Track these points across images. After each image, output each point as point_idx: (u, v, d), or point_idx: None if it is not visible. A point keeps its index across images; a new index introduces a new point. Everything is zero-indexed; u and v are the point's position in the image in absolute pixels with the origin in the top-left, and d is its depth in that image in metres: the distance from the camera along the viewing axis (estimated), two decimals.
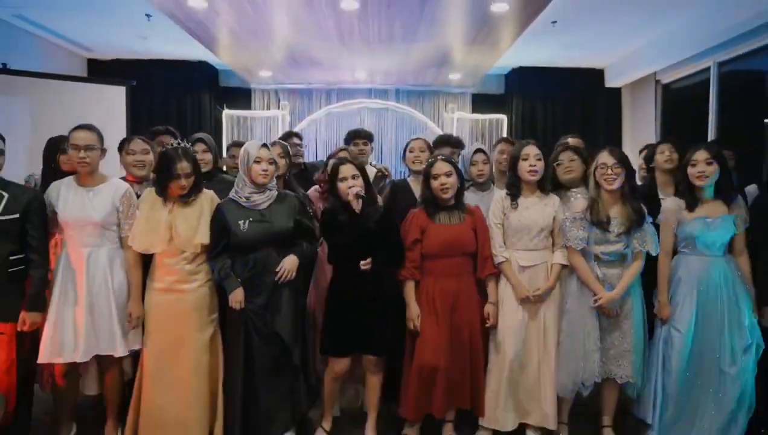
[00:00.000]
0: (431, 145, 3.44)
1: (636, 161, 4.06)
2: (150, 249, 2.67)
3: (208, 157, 3.18)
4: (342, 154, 3.16)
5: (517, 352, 2.76)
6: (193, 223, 2.67)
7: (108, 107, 4.87)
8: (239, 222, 2.65)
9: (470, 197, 3.04)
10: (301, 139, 4.08)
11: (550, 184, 2.95)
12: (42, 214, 2.58)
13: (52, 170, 3.14)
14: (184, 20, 4.90)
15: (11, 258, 2.49)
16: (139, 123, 5.66)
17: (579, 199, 2.83)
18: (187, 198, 2.68)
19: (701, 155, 2.70)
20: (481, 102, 7.84)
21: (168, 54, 6.86)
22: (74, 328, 2.59)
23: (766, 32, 4.71)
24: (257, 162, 2.66)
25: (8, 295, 2.49)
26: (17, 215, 2.49)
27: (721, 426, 2.67)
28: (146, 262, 2.74)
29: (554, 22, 5.26)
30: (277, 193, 2.78)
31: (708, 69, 5.72)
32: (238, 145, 3.72)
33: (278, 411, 2.71)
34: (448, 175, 2.74)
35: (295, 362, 2.73)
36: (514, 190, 2.84)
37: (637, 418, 2.92)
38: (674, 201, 2.84)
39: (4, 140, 2.54)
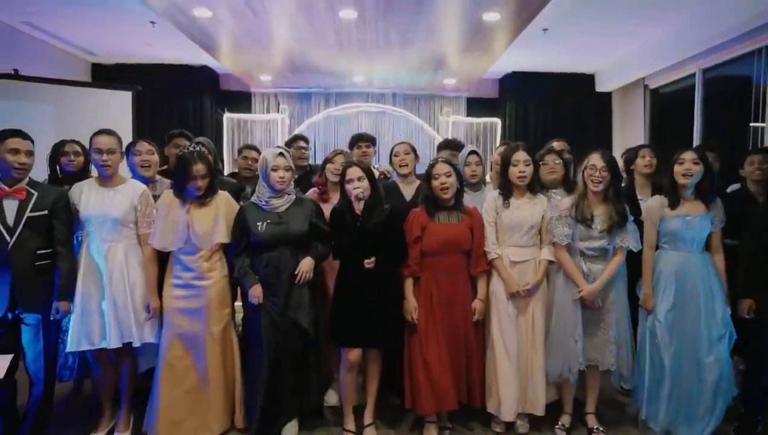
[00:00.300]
0: (415, 148, 3.60)
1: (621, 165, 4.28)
2: (168, 247, 2.85)
3: (209, 159, 3.33)
4: (337, 158, 3.32)
5: (511, 343, 2.93)
6: (210, 222, 2.85)
7: (114, 111, 5.02)
8: (258, 223, 2.82)
9: (464, 196, 3.19)
10: (306, 142, 4.21)
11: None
12: (67, 211, 2.76)
13: (56, 173, 3.33)
14: (188, 28, 5.08)
15: (39, 252, 2.64)
16: (142, 126, 5.83)
17: (565, 198, 3.02)
18: (203, 199, 2.86)
19: (689, 155, 2.89)
20: (476, 105, 8.04)
21: (170, 59, 7.00)
22: (99, 317, 2.77)
23: (748, 40, 4.92)
24: (274, 169, 2.84)
25: (36, 287, 2.64)
26: (45, 212, 2.66)
27: (704, 411, 2.84)
28: (163, 258, 2.92)
29: (545, 29, 5.44)
30: (295, 197, 2.95)
31: (693, 75, 5.93)
32: (250, 147, 3.90)
33: (292, 401, 2.87)
34: (447, 175, 2.91)
35: (312, 356, 2.91)
36: (506, 190, 3.02)
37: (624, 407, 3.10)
38: (657, 199, 3.02)
39: (33, 142, 2.71)
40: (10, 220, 2.59)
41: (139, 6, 4.66)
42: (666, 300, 2.89)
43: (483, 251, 2.96)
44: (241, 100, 7.91)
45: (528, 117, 7.77)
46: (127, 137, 4.69)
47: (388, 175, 3.86)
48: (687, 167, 2.87)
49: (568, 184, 3.26)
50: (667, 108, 6.79)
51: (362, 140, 3.97)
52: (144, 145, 3.17)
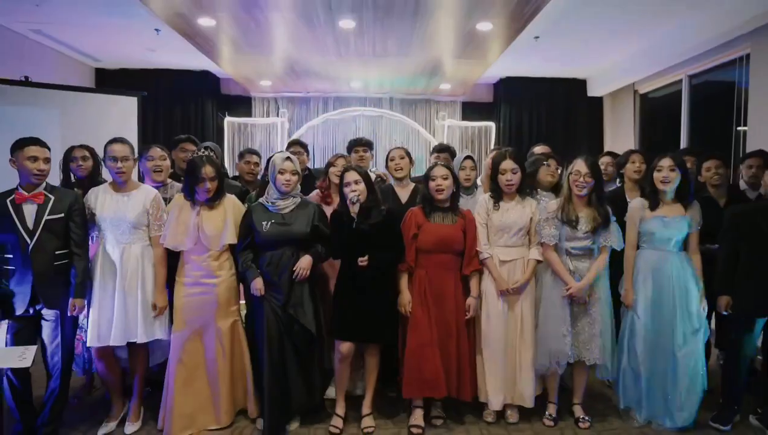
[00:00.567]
0: (410, 153, 3.75)
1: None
2: (179, 247, 3.01)
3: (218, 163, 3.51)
4: (339, 161, 3.48)
5: (499, 338, 3.11)
6: (219, 224, 3.02)
7: (120, 117, 5.17)
8: (262, 223, 2.98)
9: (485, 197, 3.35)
10: (303, 147, 4.36)
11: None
12: (82, 214, 2.92)
13: (69, 178, 3.49)
14: (192, 36, 5.26)
15: (57, 253, 2.80)
16: (145, 130, 5.98)
17: (551, 201, 3.19)
18: (212, 202, 3.03)
19: (666, 162, 3.08)
20: (471, 110, 8.23)
21: (172, 64, 7.18)
22: (113, 315, 2.93)
23: (731, 49, 5.13)
24: (281, 172, 3.00)
25: (54, 286, 2.79)
26: (62, 215, 2.82)
27: (680, 401, 3.03)
28: (172, 260, 3.08)
29: (537, 37, 5.62)
30: (300, 200, 3.11)
31: (680, 81, 6.14)
32: (251, 151, 4.07)
33: (297, 395, 3.01)
34: (444, 178, 3.09)
35: (314, 351, 3.06)
36: (496, 194, 3.20)
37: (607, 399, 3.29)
38: (639, 201, 3.21)
39: (49, 149, 2.86)
40: (30, 223, 2.74)
41: (145, 14, 4.83)
42: (644, 296, 3.09)
43: (475, 252, 3.13)
44: (242, 104, 8.08)
45: (521, 121, 7.95)
46: (132, 142, 4.89)
47: (385, 178, 4.00)
48: (665, 174, 3.06)
49: (556, 187, 3.45)
50: (656, 112, 7.00)
51: (359, 145, 4.11)
52: (157, 151, 3.35)
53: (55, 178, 3.17)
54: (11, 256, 2.74)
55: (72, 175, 3.53)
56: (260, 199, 3.11)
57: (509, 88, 7.85)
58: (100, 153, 3.23)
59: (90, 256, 2.98)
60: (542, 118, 7.92)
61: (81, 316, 2.98)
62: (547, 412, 3.19)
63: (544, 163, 3.43)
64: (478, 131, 8.11)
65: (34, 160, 2.75)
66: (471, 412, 3.26)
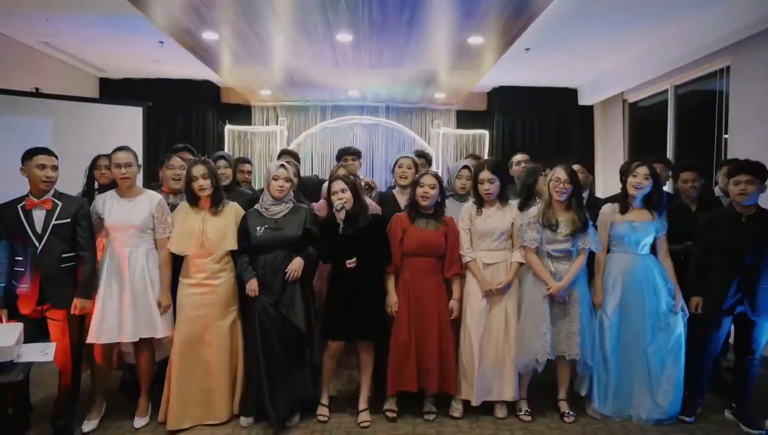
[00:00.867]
0: (417, 164, 3.95)
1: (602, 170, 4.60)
2: (185, 251, 3.20)
3: (229, 171, 3.70)
4: (341, 170, 3.66)
5: (481, 337, 3.29)
6: (222, 230, 3.21)
7: (126, 126, 5.33)
8: (257, 227, 3.18)
9: (450, 205, 3.55)
10: (293, 156, 4.50)
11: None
12: (88, 218, 3.08)
13: (92, 185, 3.68)
14: (195, 48, 5.45)
15: (63, 256, 2.96)
16: (149, 137, 6.14)
17: (533, 207, 3.38)
18: (215, 208, 3.22)
19: (642, 170, 3.29)
20: (465, 118, 8.40)
21: (174, 74, 7.36)
22: (118, 314, 3.09)
23: (713, 61, 5.35)
24: (275, 179, 3.21)
25: (61, 287, 2.95)
26: (68, 220, 2.99)
27: (650, 395, 3.23)
28: (177, 260, 3.27)
29: (527, 49, 5.83)
30: (293, 205, 3.30)
31: (666, 90, 6.36)
32: (243, 160, 4.29)
33: (289, 392, 3.18)
34: (432, 187, 3.29)
35: (305, 351, 3.22)
36: (479, 201, 3.40)
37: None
38: (609, 206, 3.43)
39: (57, 158, 3.04)
40: (39, 227, 2.92)
41: (150, 28, 5.02)
42: (614, 297, 3.29)
43: (457, 256, 3.32)
44: (242, 113, 8.24)
45: (515, 128, 8.11)
46: (138, 150, 5.06)
47: (373, 186, 4.15)
48: (639, 181, 3.28)
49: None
50: (644, 120, 7.21)
51: (348, 154, 4.29)
52: (177, 161, 3.58)
53: (69, 184, 3.34)
54: (21, 258, 2.90)
55: (95, 182, 3.71)
56: (255, 206, 3.30)
57: (502, 97, 8.03)
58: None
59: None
60: (535, 126, 8.09)
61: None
62: (524, 408, 3.35)
63: (542, 173, 3.61)
64: (473, 139, 8.28)
65: (42, 168, 2.92)
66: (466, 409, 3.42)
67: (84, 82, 7.15)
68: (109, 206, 3.15)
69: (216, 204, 3.23)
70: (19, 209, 2.92)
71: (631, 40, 5.63)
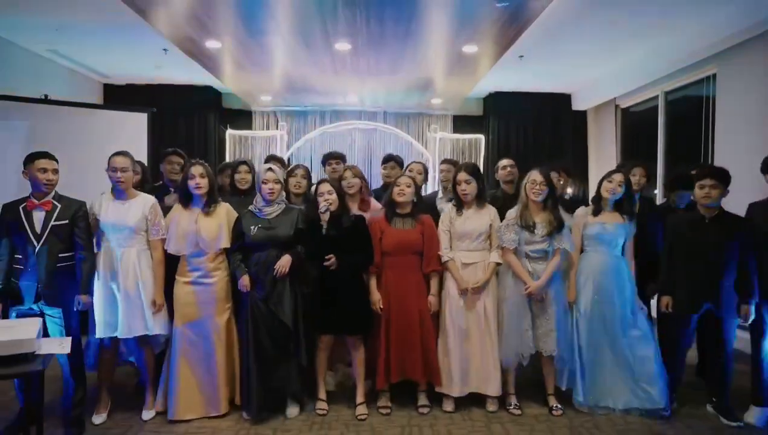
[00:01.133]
0: (428, 170, 4.13)
1: (596, 174, 4.73)
2: (181, 251, 3.35)
3: (249, 177, 3.84)
4: (347, 173, 3.78)
5: (459, 333, 3.44)
6: (215, 229, 3.36)
7: (131, 132, 5.44)
8: (251, 227, 3.34)
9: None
10: (279, 160, 4.69)
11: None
12: (86, 220, 3.16)
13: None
14: (198, 56, 5.63)
15: (60, 255, 3.06)
16: (153, 142, 6.31)
17: (510, 209, 3.53)
18: (207, 208, 3.37)
19: (618, 177, 3.48)
20: (462, 123, 8.57)
21: (177, 80, 7.52)
22: (112, 311, 3.22)
23: (701, 68, 5.53)
24: (264, 182, 3.37)
25: (57, 286, 3.04)
26: (66, 221, 3.08)
27: (621, 386, 3.39)
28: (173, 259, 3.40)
29: (521, 56, 5.99)
30: (285, 206, 3.46)
31: (657, 96, 6.53)
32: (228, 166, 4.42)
33: (278, 385, 3.34)
34: (407, 186, 3.45)
35: (291, 346, 3.32)
36: (458, 204, 3.55)
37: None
38: (583, 209, 3.61)
39: (57, 161, 3.17)
40: (38, 228, 3.04)
41: (155, 36, 5.19)
42: (586, 294, 3.46)
43: (434, 253, 3.46)
44: (243, 118, 8.42)
45: (510, 133, 8.28)
46: (143, 155, 5.22)
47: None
48: (614, 186, 3.46)
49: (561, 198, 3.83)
50: (636, 125, 7.39)
51: (332, 158, 4.44)
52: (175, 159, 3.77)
53: (74, 187, 3.46)
54: (21, 256, 3.04)
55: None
56: (249, 207, 3.46)
57: (498, 103, 8.19)
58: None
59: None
60: (529, 130, 8.26)
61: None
62: (513, 403, 3.50)
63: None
64: (469, 143, 8.46)
65: (43, 171, 3.04)
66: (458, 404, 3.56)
67: (88, 88, 7.32)
68: (104, 207, 3.27)
69: (209, 204, 3.38)
70: (21, 210, 3.05)
71: (622, 47, 5.81)
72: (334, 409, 3.51)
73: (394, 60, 5.65)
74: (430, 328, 3.46)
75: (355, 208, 3.70)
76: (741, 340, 3.72)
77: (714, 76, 5.37)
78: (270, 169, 3.41)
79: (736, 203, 3.45)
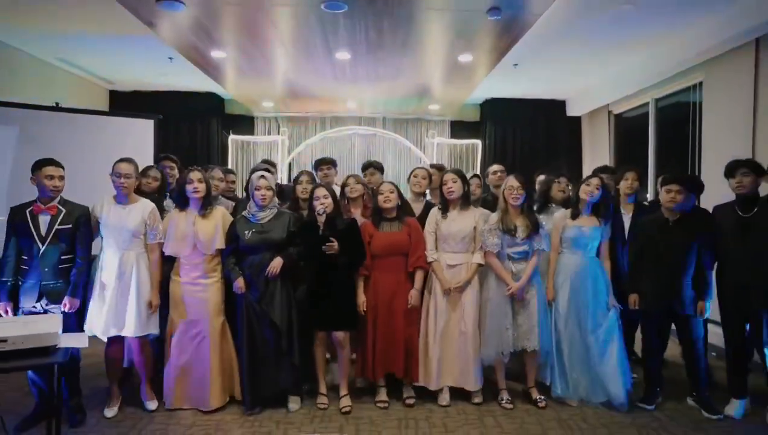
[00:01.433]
0: (432, 175, 4.26)
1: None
2: (179, 253, 3.52)
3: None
4: (350, 180, 3.98)
5: (439, 330, 3.62)
6: (211, 231, 3.52)
7: (137, 138, 5.56)
8: (245, 231, 3.50)
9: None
10: (273, 165, 4.87)
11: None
12: (88, 225, 3.34)
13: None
14: (203, 64, 5.82)
15: (62, 257, 3.24)
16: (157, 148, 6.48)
17: (493, 214, 3.70)
18: (204, 211, 3.53)
19: (595, 181, 3.68)
20: (459, 128, 8.75)
21: (181, 86, 7.71)
22: (112, 310, 3.35)
23: (688, 76, 5.71)
24: (257, 189, 3.55)
25: (59, 286, 3.22)
26: (70, 226, 3.25)
27: (597, 380, 3.57)
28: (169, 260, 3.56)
29: (516, 64, 6.18)
30: (277, 211, 3.63)
31: (647, 103, 6.72)
32: (228, 171, 4.65)
33: (271, 381, 3.50)
34: (390, 192, 3.63)
35: (283, 344, 3.47)
36: (444, 206, 3.73)
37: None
38: (562, 212, 3.81)
39: (63, 168, 3.33)
40: (43, 231, 3.21)
41: (161, 45, 5.38)
42: (563, 294, 3.66)
43: (420, 252, 3.63)
44: (245, 123, 8.59)
45: (506, 138, 8.47)
46: (149, 161, 5.35)
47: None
48: (591, 190, 3.65)
49: (567, 201, 3.97)
50: (628, 131, 7.56)
51: (324, 163, 4.60)
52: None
53: (83, 192, 3.59)
54: (26, 257, 3.21)
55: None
56: (243, 212, 3.63)
57: (494, 109, 8.37)
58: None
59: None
60: (525, 135, 8.43)
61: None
62: (505, 397, 3.67)
63: (556, 181, 4.00)
64: (466, 148, 8.64)
65: (50, 178, 3.20)
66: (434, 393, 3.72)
67: (95, 95, 7.52)
68: (106, 210, 3.42)
69: (205, 207, 3.55)
70: (27, 214, 3.23)
71: (613, 56, 5.99)
72: (334, 403, 3.67)
73: (393, 68, 5.84)
74: (414, 326, 3.65)
75: (358, 214, 3.89)
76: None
77: (701, 84, 5.56)
78: (262, 176, 3.58)
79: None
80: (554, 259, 3.74)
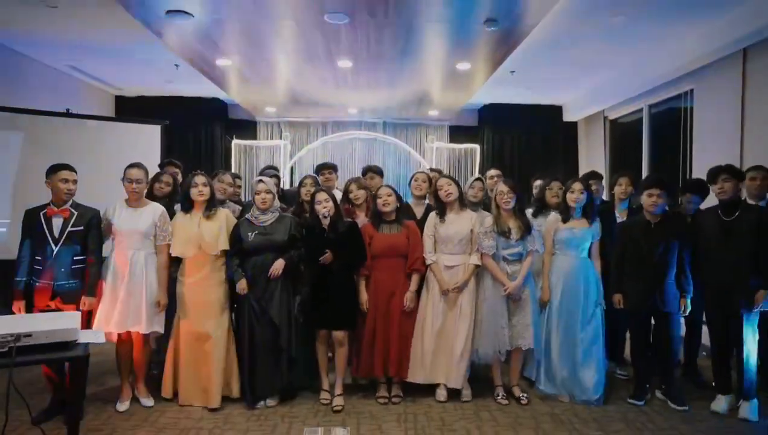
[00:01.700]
0: (431, 178, 4.37)
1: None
2: (185, 254, 3.66)
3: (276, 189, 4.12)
4: (352, 186, 4.10)
5: (437, 328, 3.77)
6: (216, 232, 3.67)
7: (144, 143, 5.71)
8: (248, 234, 3.65)
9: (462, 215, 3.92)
10: (276, 170, 5.00)
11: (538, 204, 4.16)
12: (99, 227, 3.48)
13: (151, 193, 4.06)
14: (208, 72, 5.98)
15: (75, 258, 3.38)
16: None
17: (488, 217, 3.85)
18: (208, 212, 3.68)
19: (577, 186, 3.84)
20: (457, 133, 8.90)
21: (185, 92, 7.87)
22: (121, 308, 3.49)
23: (680, 84, 5.87)
24: (257, 193, 3.71)
25: (72, 285, 3.36)
26: (82, 228, 3.40)
27: (581, 374, 3.74)
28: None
29: (513, 72, 6.34)
30: (278, 214, 3.78)
31: (641, 109, 6.89)
32: (234, 176, 4.75)
33: (269, 377, 3.66)
34: (388, 195, 3.77)
35: (282, 342, 3.62)
36: (440, 210, 3.87)
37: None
38: (554, 216, 3.96)
39: (76, 173, 3.48)
40: (56, 233, 3.36)
41: (168, 53, 5.55)
42: (556, 293, 3.82)
43: (418, 255, 3.77)
44: (248, 128, 8.75)
45: (504, 143, 8.64)
46: (156, 166, 5.51)
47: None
48: (576, 196, 3.81)
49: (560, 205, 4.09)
50: (623, 136, 7.73)
51: (325, 168, 4.75)
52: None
53: (92, 196, 3.73)
54: (40, 258, 3.36)
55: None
56: (246, 215, 3.79)
57: (492, 114, 8.53)
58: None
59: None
60: (523, 140, 8.60)
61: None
62: (501, 393, 3.83)
63: (547, 187, 4.17)
64: (465, 153, 8.80)
65: (65, 181, 3.35)
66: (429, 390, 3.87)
67: (101, 100, 7.69)
68: (118, 214, 3.58)
69: (209, 209, 3.70)
70: (41, 216, 3.37)
71: (607, 64, 6.16)
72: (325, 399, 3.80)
73: (393, 76, 6.00)
74: (411, 325, 3.80)
75: (362, 217, 4.03)
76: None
77: (691, 91, 5.73)
78: (261, 181, 3.74)
79: None
80: (548, 261, 3.89)
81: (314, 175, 4.54)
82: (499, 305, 3.75)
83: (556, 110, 8.52)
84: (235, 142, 8.57)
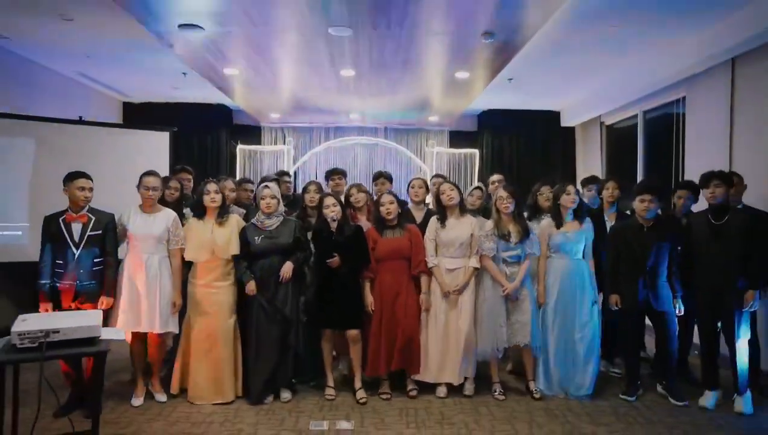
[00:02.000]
0: (428, 183, 4.56)
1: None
2: (198, 259, 3.83)
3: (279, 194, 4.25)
4: (353, 190, 4.31)
5: (440, 329, 3.94)
6: (228, 237, 3.85)
7: (153, 149, 5.82)
8: (255, 237, 3.81)
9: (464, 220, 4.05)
10: (290, 176, 5.14)
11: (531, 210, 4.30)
12: (115, 231, 3.67)
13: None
14: (215, 80, 6.17)
15: (95, 260, 3.58)
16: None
17: (488, 221, 4.03)
18: (220, 218, 3.85)
19: (571, 189, 4.02)
20: (457, 138, 9.07)
21: (191, 98, 8.04)
22: (138, 309, 3.67)
23: (673, 90, 6.04)
24: (262, 198, 3.87)
25: (93, 286, 3.56)
26: (100, 232, 3.59)
27: (581, 373, 3.91)
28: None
29: (510, 79, 6.49)
30: (283, 218, 3.94)
31: (636, 115, 7.06)
32: (245, 180, 4.97)
33: (276, 374, 3.82)
34: (391, 203, 3.94)
35: (290, 340, 3.80)
36: (441, 216, 4.04)
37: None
38: (548, 220, 4.11)
39: (92, 180, 3.65)
40: (77, 237, 3.55)
41: (176, 61, 5.73)
42: (552, 295, 3.99)
43: (421, 258, 3.93)
44: (252, 133, 8.93)
45: (503, 148, 8.80)
46: (164, 172, 5.65)
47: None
48: (572, 197, 3.99)
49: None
50: (619, 141, 7.87)
51: (335, 173, 4.90)
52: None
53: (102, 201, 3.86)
54: (61, 261, 3.54)
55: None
56: (252, 220, 3.95)
57: (491, 119, 8.69)
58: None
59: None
60: (521, 145, 8.75)
61: None
62: (498, 389, 3.99)
63: (538, 192, 4.33)
64: (464, 157, 8.97)
65: (82, 189, 3.53)
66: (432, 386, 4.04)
67: (109, 107, 7.87)
68: (133, 219, 3.74)
69: (221, 215, 3.87)
70: (61, 222, 3.55)
71: (603, 71, 6.31)
72: (341, 395, 3.99)
73: (394, 83, 6.19)
74: (415, 324, 3.96)
75: (363, 220, 4.21)
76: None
77: (684, 98, 5.90)
78: (266, 186, 3.90)
79: None
80: (543, 264, 4.05)
81: (317, 181, 4.69)
82: (498, 305, 3.91)
83: (554, 116, 8.64)
84: (239, 147, 8.74)
